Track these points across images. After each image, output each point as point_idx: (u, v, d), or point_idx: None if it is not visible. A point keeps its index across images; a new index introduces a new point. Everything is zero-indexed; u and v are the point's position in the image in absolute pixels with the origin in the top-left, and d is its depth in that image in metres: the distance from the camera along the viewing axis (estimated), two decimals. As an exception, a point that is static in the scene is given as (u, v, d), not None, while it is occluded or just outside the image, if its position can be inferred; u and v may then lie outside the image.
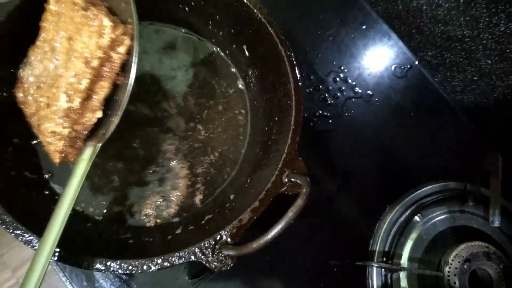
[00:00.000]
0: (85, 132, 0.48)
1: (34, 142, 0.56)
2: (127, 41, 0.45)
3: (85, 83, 0.45)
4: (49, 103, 0.47)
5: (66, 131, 0.46)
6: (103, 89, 0.47)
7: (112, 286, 0.60)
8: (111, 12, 0.47)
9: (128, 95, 0.47)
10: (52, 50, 0.48)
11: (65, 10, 0.46)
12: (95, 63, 0.44)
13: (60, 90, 0.46)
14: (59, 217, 0.43)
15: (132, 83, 0.47)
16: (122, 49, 0.46)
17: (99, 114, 0.47)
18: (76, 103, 0.45)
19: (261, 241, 0.42)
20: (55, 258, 0.43)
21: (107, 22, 0.44)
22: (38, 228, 0.44)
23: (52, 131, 0.46)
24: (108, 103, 0.48)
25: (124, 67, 0.47)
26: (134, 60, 0.47)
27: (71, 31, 0.46)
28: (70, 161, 0.48)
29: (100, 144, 0.48)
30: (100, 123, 0.48)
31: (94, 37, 0.44)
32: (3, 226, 0.44)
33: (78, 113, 0.46)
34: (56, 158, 0.47)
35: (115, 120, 0.48)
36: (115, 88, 0.48)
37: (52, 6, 0.48)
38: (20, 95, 0.51)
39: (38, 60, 0.49)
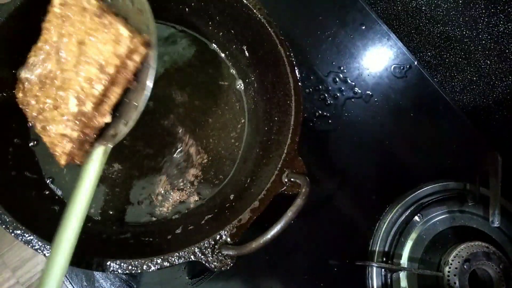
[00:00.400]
0: (93, 135, 0.48)
1: (31, 144, 0.56)
2: (142, 50, 0.45)
3: (99, 88, 0.45)
4: (57, 105, 0.47)
5: (75, 134, 0.46)
6: (114, 94, 0.47)
7: (112, 286, 0.60)
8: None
9: (145, 102, 0.47)
10: (56, 52, 0.48)
11: (73, 14, 0.46)
12: (111, 70, 0.45)
13: (70, 94, 0.46)
14: (70, 227, 0.42)
15: (150, 90, 0.47)
16: (137, 58, 0.46)
17: (108, 118, 0.48)
18: (88, 107, 0.46)
19: (260, 241, 0.42)
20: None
21: (124, 31, 0.44)
22: (38, 228, 0.45)
23: (61, 133, 0.47)
24: (117, 105, 0.48)
25: (136, 72, 0.47)
26: (153, 65, 0.47)
27: (81, 35, 0.46)
28: (77, 163, 0.49)
29: (111, 146, 0.49)
30: (108, 124, 0.49)
31: (110, 44, 0.44)
32: (3, 226, 0.44)
33: (89, 117, 0.47)
34: (63, 160, 0.48)
35: (130, 124, 0.48)
36: (125, 91, 0.48)
37: (56, 9, 0.48)
38: (20, 95, 0.51)
39: (40, 61, 0.49)
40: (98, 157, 0.48)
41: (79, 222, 0.43)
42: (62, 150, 0.47)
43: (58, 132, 0.47)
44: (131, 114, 0.48)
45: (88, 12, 0.46)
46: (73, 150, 0.47)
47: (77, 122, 0.46)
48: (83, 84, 0.45)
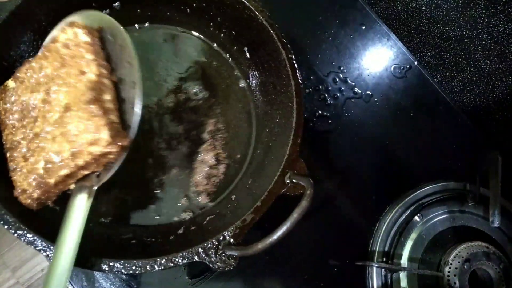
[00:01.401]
0: (55, 196, 0.48)
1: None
2: (118, 152, 0.45)
3: (65, 172, 0.45)
4: (27, 157, 0.46)
5: (35, 195, 0.46)
6: (81, 174, 0.47)
7: (112, 286, 0.60)
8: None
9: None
10: (46, 93, 0.46)
11: (70, 68, 0.46)
12: (80, 162, 0.44)
13: (42, 156, 0.45)
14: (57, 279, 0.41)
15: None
16: (111, 156, 0.46)
17: (72, 187, 0.47)
18: (51, 181, 0.45)
19: (266, 242, 0.42)
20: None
21: (106, 136, 0.43)
22: (40, 228, 0.44)
23: (23, 189, 0.46)
24: None
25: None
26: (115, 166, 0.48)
27: (70, 98, 0.45)
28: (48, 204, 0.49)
29: (95, 188, 0.48)
30: None
31: (89, 134, 0.43)
32: (6, 226, 0.44)
33: (51, 187, 0.46)
34: (23, 204, 0.47)
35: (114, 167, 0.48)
36: None
37: (59, 46, 0.47)
38: (2, 106, 0.49)
39: (27, 86, 0.48)
40: (81, 203, 0.46)
41: (66, 274, 0.41)
42: (22, 199, 0.47)
43: (21, 184, 0.46)
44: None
45: (85, 78, 0.45)
46: (31, 203, 0.46)
47: (37, 187, 0.45)
48: (54, 158, 0.45)
